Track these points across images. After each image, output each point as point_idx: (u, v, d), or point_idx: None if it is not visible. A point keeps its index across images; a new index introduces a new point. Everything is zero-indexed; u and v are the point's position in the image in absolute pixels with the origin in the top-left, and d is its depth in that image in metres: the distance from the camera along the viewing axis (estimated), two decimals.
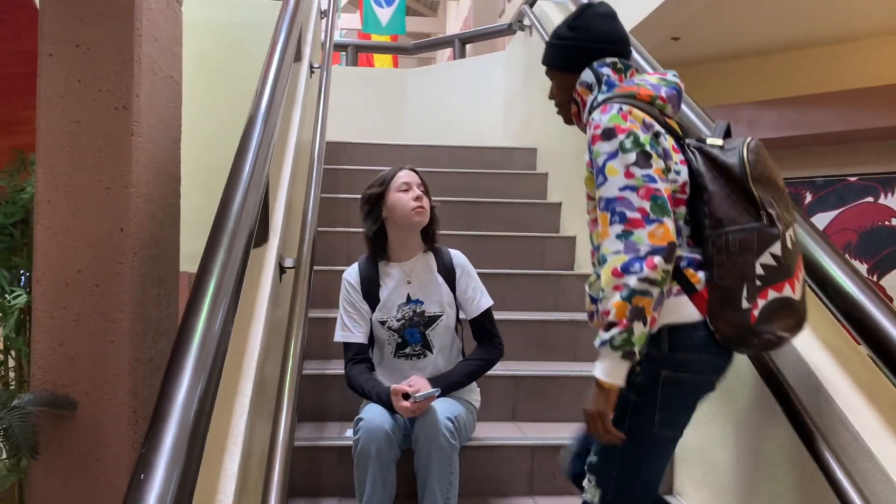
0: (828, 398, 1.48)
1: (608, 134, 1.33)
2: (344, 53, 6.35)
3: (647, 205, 1.27)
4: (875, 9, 4.39)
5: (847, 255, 5.10)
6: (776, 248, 1.30)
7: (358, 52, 6.61)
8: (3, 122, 3.76)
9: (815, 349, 1.59)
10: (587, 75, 1.48)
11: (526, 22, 4.56)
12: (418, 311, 2.12)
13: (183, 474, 0.93)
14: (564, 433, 1.86)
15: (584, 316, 2.33)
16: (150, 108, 2.08)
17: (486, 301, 2.18)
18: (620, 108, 1.35)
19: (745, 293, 1.30)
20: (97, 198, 1.95)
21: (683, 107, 2.16)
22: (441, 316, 2.13)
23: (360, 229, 2.20)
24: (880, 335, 1.37)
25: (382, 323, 2.12)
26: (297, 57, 3.27)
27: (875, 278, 5.16)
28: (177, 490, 0.90)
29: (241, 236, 1.48)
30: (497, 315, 2.21)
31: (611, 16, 1.53)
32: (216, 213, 1.53)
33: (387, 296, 2.13)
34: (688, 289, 1.35)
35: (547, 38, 1.80)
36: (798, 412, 1.48)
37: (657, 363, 1.34)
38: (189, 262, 2.03)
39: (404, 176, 2.13)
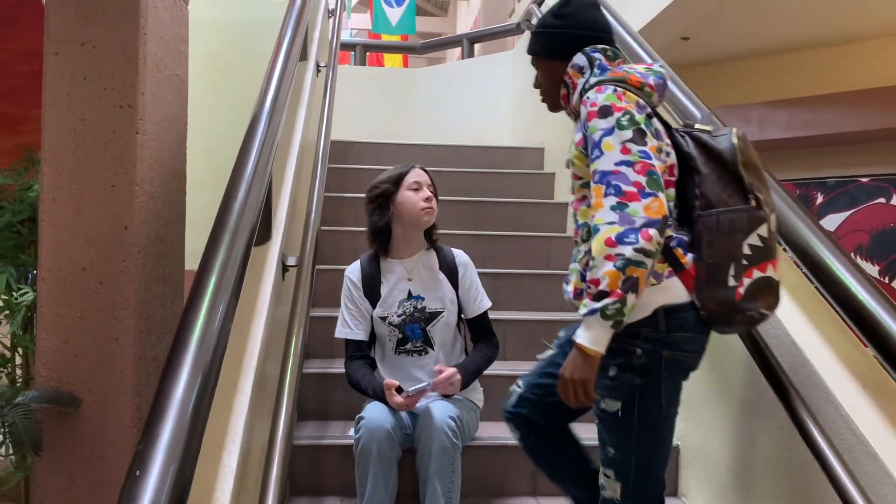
0: (833, 400, 1.47)
1: (605, 112, 1.35)
2: (353, 53, 6.35)
3: (643, 179, 1.29)
4: (885, 9, 4.36)
5: (858, 257, 5.09)
6: (763, 230, 1.35)
7: (366, 52, 6.60)
8: (13, 120, 3.78)
9: (821, 351, 1.58)
10: (580, 58, 1.51)
11: (534, 21, 4.55)
12: (419, 307, 2.12)
13: (179, 471, 0.92)
14: None
15: None
16: (156, 107, 2.09)
17: (486, 302, 2.20)
18: (615, 89, 1.38)
19: (731, 271, 1.34)
20: (102, 195, 1.96)
21: (678, 93, 2.18)
22: (442, 312, 2.13)
23: (366, 228, 2.20)
24: (886, 337, 1.36)
25: (383, 318, 2.12)
26: (304, 56, 3.27)
27: (887, 280, 5.10)
28: (173, 487, 0.90)
29: (243, 234, 1.47)
30: (503, 315, 2.21)
31: (595, 5, 1.57)
32: (218, 210, 1.53)
33: (388, 291, 2.13)
34: (676, 267, 1.39)
35: None
36: (802, 415, 1.47)
37: (658, 344, 1.37)
38: (194, 260, 2.01)
39: (416, 175, 2.14)
